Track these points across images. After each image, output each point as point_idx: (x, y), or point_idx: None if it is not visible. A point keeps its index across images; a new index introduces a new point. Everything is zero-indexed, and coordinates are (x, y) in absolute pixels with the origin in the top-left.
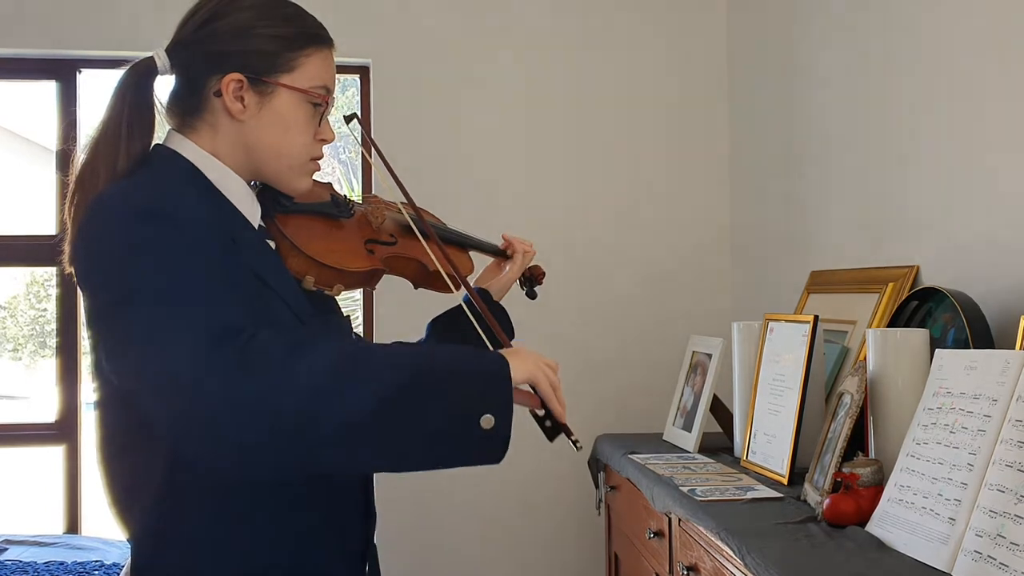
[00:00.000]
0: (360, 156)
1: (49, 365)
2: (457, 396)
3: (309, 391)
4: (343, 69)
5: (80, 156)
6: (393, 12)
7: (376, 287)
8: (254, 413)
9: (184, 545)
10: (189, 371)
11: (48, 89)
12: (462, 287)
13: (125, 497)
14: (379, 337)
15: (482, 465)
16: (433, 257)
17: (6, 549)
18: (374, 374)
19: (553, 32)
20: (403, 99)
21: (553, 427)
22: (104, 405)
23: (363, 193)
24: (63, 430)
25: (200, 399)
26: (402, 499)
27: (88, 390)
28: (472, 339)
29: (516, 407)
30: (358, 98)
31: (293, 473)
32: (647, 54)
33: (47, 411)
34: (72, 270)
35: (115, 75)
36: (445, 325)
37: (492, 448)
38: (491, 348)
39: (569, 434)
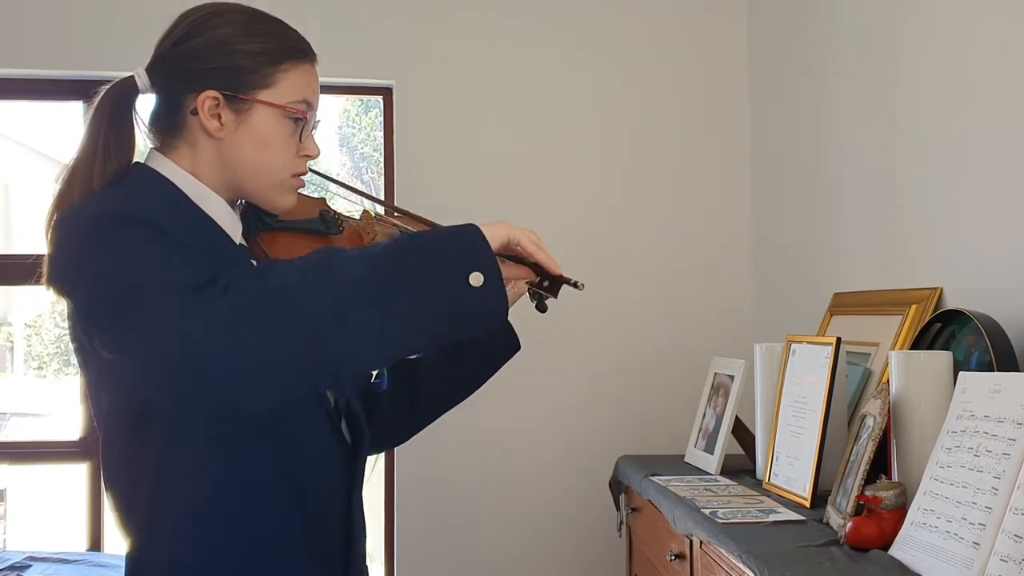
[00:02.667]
0: (382, 176)
1: (73, 383)
2: (437, 261)
3: (293, 293)
4: (367, 91)
5: (60, 177)
6: (416, 34)
7: None
8: (249, 322)
9: (170, 547)
10: (182, 317)
11: (74, 109)
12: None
13: (124, 506)
14: None
15: (487, 330)
16: None
17: (30, 566)
18: (352, 259)
19: (573, 51)
20: (426, 120)
21: (551, 284)
22: (103, 424)
23: (364, 210)
24: (86, 448)
25: (199, 334)
26: (421, 516)
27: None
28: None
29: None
30: (381, 119)
31: (304, 382)
32: (667, 76)
33: (71, 429)
34: (49, 288)
35: (141, 96)
36: (403, 365)
37: (490, 305)
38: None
39: (568, 280)
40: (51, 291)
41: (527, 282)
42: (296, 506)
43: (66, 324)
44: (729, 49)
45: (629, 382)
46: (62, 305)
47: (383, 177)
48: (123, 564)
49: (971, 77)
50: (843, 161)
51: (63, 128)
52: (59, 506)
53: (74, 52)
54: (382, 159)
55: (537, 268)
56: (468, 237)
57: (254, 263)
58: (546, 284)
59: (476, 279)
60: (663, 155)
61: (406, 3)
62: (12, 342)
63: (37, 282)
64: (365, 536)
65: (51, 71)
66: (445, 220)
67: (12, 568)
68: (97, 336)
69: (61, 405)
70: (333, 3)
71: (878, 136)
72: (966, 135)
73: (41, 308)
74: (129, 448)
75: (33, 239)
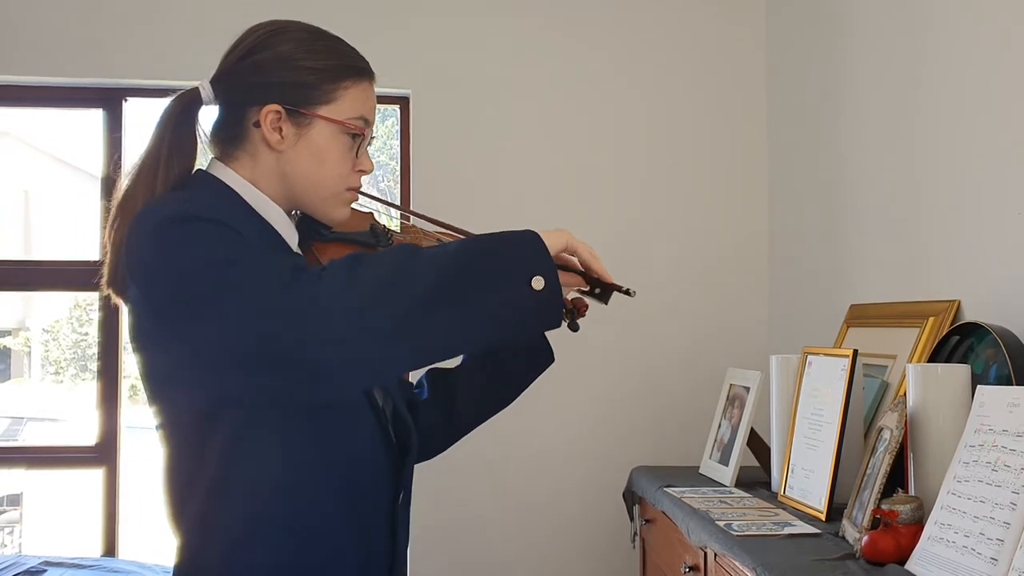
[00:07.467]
0: (399, 184)
1: (90, 388)
2: (506, 262)
3: (378, 281)
4: (383, 99)
5: (123, 182)
6: (434, 43)
7: None
8: (338, 317)
9: (225, 540)
10: (275, 306)
11: (95, 117)
12: None
13: (178, 502)
14: None
15: (545, 330)
16: None
17: (45, 571)
18: (428, 260)
19: (590, 62)
20: (442, 129)
21: (603, 291)
22: (165, 425)
23: (401, 222)
24: (102, 453)
25: (293, 325)
26: (435, 525)
27: (129, 414)
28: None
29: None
30: (398, 128)
31: (382, 368)
32: (684, 87)
33: (87, 434)
34: (114, 291)
35: (161, 103)
36: (442, 377)
37: (549, 308)
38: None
39: (619, 288)
40: (113, 292)
41: (577, 290)
42: (348, 506)
43: (88, 331)
44: (747, 60)
45: (644, 393)
46: (80, 312)
47: (399, 185)
48: (136, 570)
49: (991, 89)
50: (861, 172)
51: (84, 136)
52: (75, 511)
53: (95, 60)
54: (398, 167)
55: (588, 277)
56: (531, 242)
57: None
58: (597, 291)
59: (538, 283)
60: (679, 165)
61: (423, 13)
62: (30, 347)
63: (95, 288)
64: (408, 539)
65: (72, 79)
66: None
67: (28, 572)
68: (180, 328)
69: (77, 410)
70: (350, 11)
71: (896, 147)
72: (985, 147)
73: (59, 314)
74: (189, 445)
75: (53, 246)
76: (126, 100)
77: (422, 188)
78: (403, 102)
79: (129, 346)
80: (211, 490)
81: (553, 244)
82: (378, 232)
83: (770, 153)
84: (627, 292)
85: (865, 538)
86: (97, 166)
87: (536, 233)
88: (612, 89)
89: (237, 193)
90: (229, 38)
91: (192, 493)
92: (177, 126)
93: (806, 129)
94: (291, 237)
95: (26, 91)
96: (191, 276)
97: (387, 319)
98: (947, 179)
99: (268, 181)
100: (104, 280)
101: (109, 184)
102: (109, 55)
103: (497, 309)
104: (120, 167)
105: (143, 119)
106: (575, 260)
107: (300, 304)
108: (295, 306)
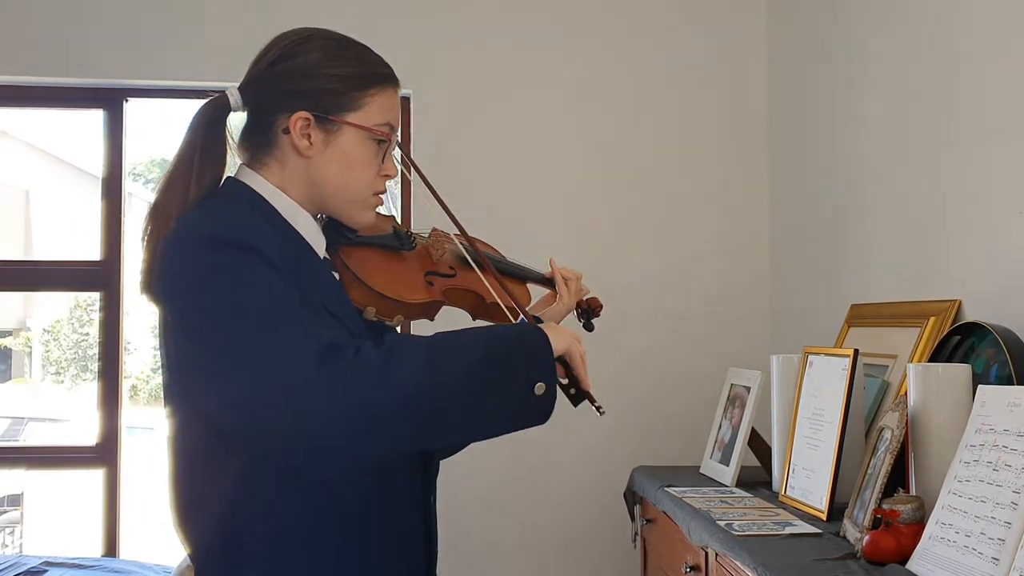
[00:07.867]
0: (398, 185)
1: (90, 388)
2: (515, 371)
3: (406, 389)
4: None
5: (156, 188)
6: (435, 44)
7: (435, 318)
8: (366, 417)
9: (246, 560)
10: (303, 387)
11: (96, 117)
12: (520, 318)
13: (190, 514)
14: None
15: (531, 427)
16: (491, 289)
17: (45, 571)
18: (451, 365)
19: (593, 68)
20: (442, 130)
21: (577, 394)
22: (176, 427)
23: (402, 221)
24: (103, 453)
25: (317, 412)
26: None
27: (130, 414)
28: None
29: None
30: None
31: (396, 456)
32: (686, 84)
33: (88, 434)
34: (149, 297)
35: (161, 104)
36: None
37: (543, 410)
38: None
39: (592, 400)
40: (148, 298)
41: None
42: (379, 508)
43: (89, 331)
44: (748, 59)
45: (645, 392)
46: (80, 312)
47: (399, 186)
48: (136, 570)
49: (992, 88)
50: (862, 172)
51: (84, 136)
52: (75, 511)
53: (95, 60)
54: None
55: (570, 375)
56: (542, 352)
57: (336, 275)
58: (572, 392)
59: (539, 389)
60: (680, 164)
61: (423, 13)
62: (30, 347)
63: (95, 288)
64: (436, 542)
65: (72, 79)
66: (468, 232)
67: (29, 572)
68: (196, 361)
69: (78, 410)
70: (350, 12)
71: (897, 147)
72: (985, 147)
73: (59, 314)
74: (204, 454)
75: (53, 246)
76: (127, 100)
77: (422, 188)
78: (403, 102)
79: (148, 343)
80: (233, 504)
81: (557, 347)
82: (401, 236)
83: (771, 153)
84: (597, 408)
85: (866, 538)
86: (97, 166)
87: (546, 335)
88: (612, 88)
89: (267, 201)
90: (229, 38)
91: (209, 505)
92: (208, 132)
93: (807, 129)
94: (319, 243)
95: (26, 91)
96: (220, 318)
97: (401, 424)
98: (947, 179)
99: (296, 187)
100: (141, 286)
101: (109, 184)
102: (109, 55)
103: (504, 411)
104: (121, 167)
105: (145, 119)
106: (568, 359)
107: (325, 391)
108: (319, 391)
